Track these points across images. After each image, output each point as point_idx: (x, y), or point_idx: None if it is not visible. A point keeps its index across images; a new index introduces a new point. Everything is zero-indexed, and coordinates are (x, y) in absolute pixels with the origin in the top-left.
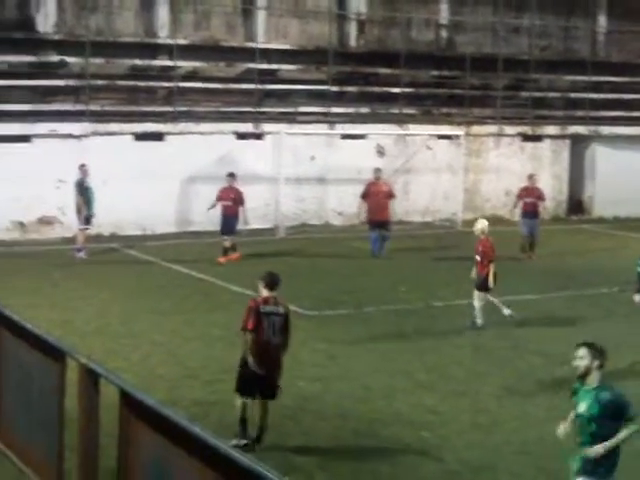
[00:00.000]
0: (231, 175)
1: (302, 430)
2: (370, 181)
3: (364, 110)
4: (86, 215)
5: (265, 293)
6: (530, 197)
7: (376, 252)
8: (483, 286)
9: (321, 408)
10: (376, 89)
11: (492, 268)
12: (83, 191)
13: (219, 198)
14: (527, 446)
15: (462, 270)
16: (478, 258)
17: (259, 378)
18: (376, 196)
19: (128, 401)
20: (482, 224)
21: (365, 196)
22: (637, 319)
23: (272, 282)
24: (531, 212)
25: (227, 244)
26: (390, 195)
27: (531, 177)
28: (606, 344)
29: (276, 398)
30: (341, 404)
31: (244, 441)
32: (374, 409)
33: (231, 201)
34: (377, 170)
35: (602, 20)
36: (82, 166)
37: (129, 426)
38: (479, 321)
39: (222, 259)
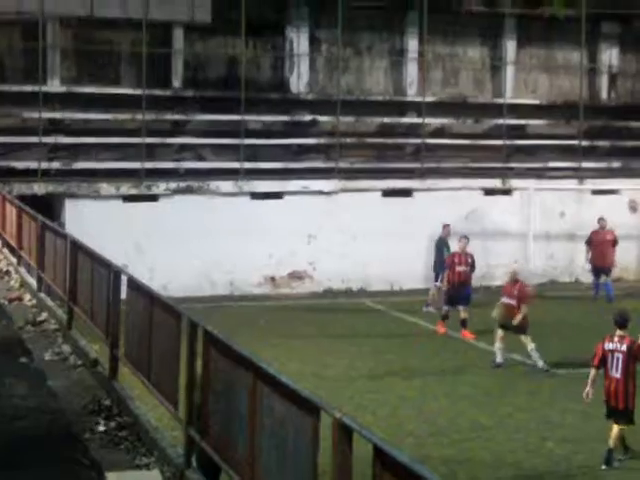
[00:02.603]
0: (466, 238)
1: None
2: (594, 229)
3: (616, 164)
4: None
5: (616, 331)
6: None
7: (596, 296)
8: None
9: (566, 471)
10: (628, 143)
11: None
12: (443, 249)
13: (454, 264)
14: None
15: None
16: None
17: (614, 409)
18: (600, 244)
19: (382, 458)
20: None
21: (589, 243)
22: None
23: (617, 320)
24: None
25: (465, 315)
26: (614, 243)
27: None
28: None
29: (630, 424)
30: (589, 467)
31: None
32: (629, 470)
33: (467, 266)
34: (601, 219)
35: None
36: (446, 226)
37: None
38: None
39: (468, 334)
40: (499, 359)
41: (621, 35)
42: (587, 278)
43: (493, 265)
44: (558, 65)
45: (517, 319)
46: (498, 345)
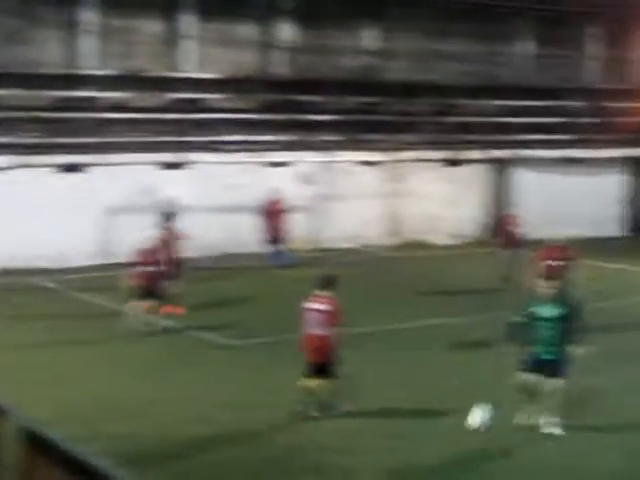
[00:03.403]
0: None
1: (215, 461)
2: (268, 200)
3: (290, 138)
4: None
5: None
6: (516, 226)
7: (272, 265)
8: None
9: (235, 437)
10: (302, 117)
11: None
12: None
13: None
14: (454, 470)
15: (386, 295)
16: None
17: (316, 365)
18: (274, 214)
19: (33, 438)
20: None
21: (264, 213)
22: None
23: (320, 282)
24: (516, 242)
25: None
26: (285, 212)
27: (515, 206)
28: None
29: (331, 378)
30: (257, 432)
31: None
32: (293, 437)
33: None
34: (273, 190)
35: (524, 46)
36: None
37: (31, 463)
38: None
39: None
40: (151, 327)
41: (297, 9)
42: (263, 249)
43: None
44: (236, 39)
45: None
46: (143, 314)
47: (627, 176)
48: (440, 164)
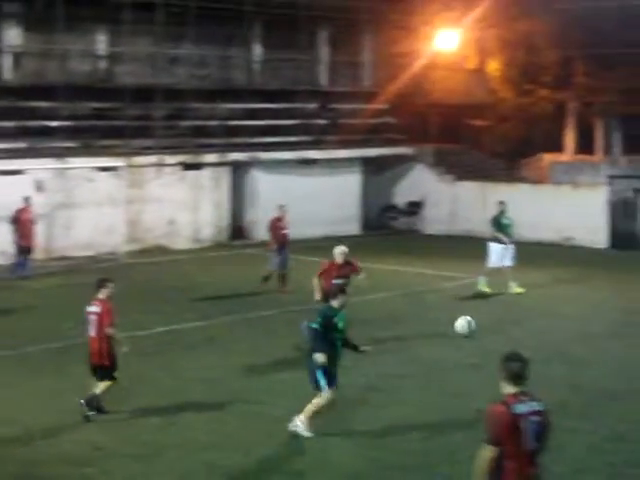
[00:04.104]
0: None
1: None
2: (19, 208)
3: (21, 145)
4: None
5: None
6: (285, 228)
7: (18, 274)
8: None
9: None
10: (34, 123)
11: None
12: None
13: None
14: (190, 474)
15: (126, 302)
16: None
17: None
18: (25, 223)
19: None
20: None
21: (16, 222)
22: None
23: (95, 285)
24: (285, 243)
25: None
26: (34, 222)
27: (282, 207)
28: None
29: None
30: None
31: None
32: (36, 450)
33: None
34: (27, 198)
35: (257, 49)
36: None
37: None
38: None
39: None
40: None
41: (24, 13)
42: (6, 260)
43: None
44: None
45: None
46: None
47: (361, 176)
48: (178, 168)
